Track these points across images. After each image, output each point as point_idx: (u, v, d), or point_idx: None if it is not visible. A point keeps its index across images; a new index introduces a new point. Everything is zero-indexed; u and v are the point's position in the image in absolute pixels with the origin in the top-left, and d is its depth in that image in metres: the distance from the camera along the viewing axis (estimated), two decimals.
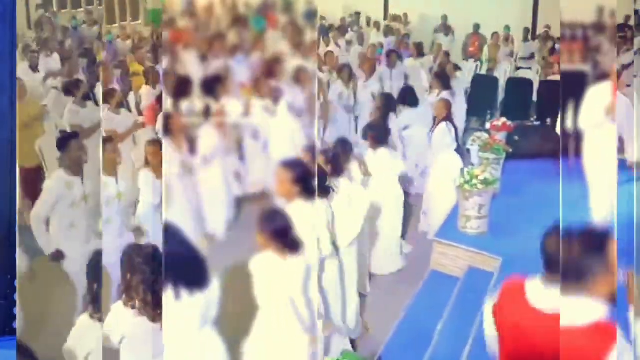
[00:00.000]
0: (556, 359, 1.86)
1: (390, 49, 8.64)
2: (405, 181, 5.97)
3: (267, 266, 2.99)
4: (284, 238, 2.99)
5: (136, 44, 9.62)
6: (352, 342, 4.09)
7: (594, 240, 1.86)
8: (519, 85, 8.97)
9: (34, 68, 8.56)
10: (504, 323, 2.12)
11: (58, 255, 4.06)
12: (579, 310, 1.84)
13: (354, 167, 4.84)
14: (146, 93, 6.73)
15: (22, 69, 8.62)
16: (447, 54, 8.86)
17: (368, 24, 13.01)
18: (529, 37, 11.09)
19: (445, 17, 12.19)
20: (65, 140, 4.21)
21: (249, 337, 3.07)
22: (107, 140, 4.36)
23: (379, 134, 5.22)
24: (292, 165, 3.50)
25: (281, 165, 3.49)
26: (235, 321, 3.05)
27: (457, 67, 8.28)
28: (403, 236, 5.57)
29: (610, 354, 1.77)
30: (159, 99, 4.25)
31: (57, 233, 4.09)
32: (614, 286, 1.85)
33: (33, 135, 6.12)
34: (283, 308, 3.02)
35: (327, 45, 10.02)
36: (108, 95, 6.06)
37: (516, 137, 6.75)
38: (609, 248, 1.83)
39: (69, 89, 5.97)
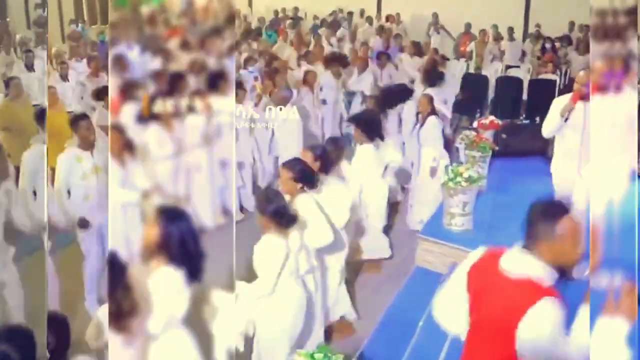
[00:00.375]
0: (513, 321, 1.99)
1: (380, 50, 8.68)
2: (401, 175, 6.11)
3: (270, 248, 3.23)
4: (282, 216, 3.25)
5: None
6: (329, 338, 4.17)
7: (551, 211, 2.07)
8: (509, 84, 9.04)
9: (64, 77, 8.66)
10: (474, 285, 2.23)
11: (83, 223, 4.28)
12: (528, 266, 2.06)
13: (344, 165, 4.77)
14: None
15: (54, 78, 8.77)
16: (435, 51, 8.91)
17: (361, 15, 13.12)
18: (517, 36, 11.17)
19: (436, 16, 12.28)
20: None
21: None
22: (81, 117, 4.48)
23: (368, 127, 5.09)
24: (292, 164, 3.76)
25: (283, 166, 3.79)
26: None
27: (444, 58, 8.32)
28: (388, 230, 5.65)
29: (531, 311, 1.95)
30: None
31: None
32: (561, 257, 2.03)
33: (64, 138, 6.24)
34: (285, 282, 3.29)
35: (318, 44, 10.06)
36: (102, 93, 6.14)
37: (504, 135, 6.81)
38: (562, 220, 2.02)
39: (98, 95, 6.25)
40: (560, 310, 1.99)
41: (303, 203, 3.68)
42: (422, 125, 5.74)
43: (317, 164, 4.11)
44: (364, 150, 4.98)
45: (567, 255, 2.04)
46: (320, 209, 3.74)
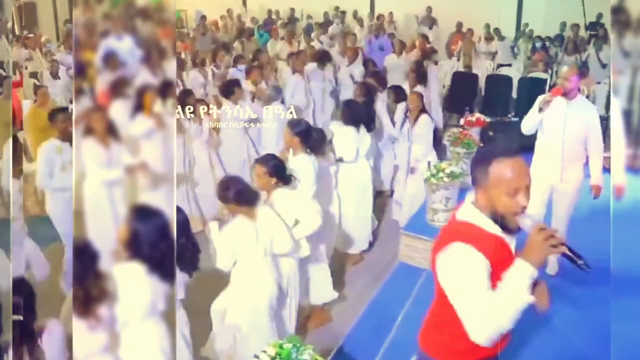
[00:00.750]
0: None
1: (366, 57, 8.71)
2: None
3: (240, 229, 3.31)
4: (245, 198, 3.33)
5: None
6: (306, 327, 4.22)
7: (487, 154, 1.98)
8: (499, 82, 9.06)
9: (55, 75, 8.70)
10: None
11: None
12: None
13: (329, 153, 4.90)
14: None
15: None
16: (425, 37, 8.90)
17: (354, 16, 13.14)
18: (508, 35, 11.20)
19: (429, 9, 12.28)
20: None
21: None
22: (60, 110, 4.58)
23: (353, 112, 5.17)
24: (266, 159, 3.81)
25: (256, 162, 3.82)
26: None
27: (433, 50, 8.32)
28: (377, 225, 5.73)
29: (448, 247, 1.94)
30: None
31: None
32: (496, 203, 1.92)
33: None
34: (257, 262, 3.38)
35: (308, 44, 10.08)
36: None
37: (490, 132, 6.82)
38: (495, 161, 1.90)
39: None
40: (473, 256, 1.88)
41: (280, 197, 3.72)
42: (413, 123, 5.68)
43: (295, 139, 4.18)
44: (343, 132, 5.08)
45: (501, 202, 1.89)
46: (299, 199, 3.80)
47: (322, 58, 7.60)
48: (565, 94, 4.08)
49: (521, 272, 1.84)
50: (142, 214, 2.56)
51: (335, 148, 4.99)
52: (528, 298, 1.85)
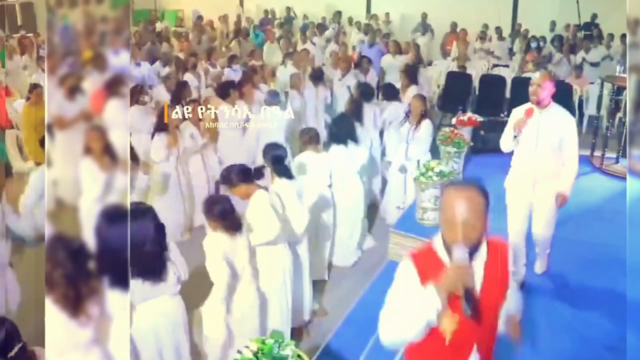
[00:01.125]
0: None
1: (362, 55, 8.68)
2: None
3: (217, 244, 3.30)
4: (228, 219, 3.32)
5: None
6: (298, 330, 4.22)
7: (449, 185, 2.12)
8: (492, 83, 9.09)
9: None
10: None
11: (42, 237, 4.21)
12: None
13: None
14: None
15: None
16: (417, 47, 8.95)
17: (350, 23, 13.16)
18: (503, 35, 11.21)
19: (424, 16, 12.33)
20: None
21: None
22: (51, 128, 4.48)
23: (339, 129, 5.13)
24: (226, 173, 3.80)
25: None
26: None
27: (429, 63, 8.38)
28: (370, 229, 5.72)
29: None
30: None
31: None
32: (442, 230, 2.00)
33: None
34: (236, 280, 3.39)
35: (304, 43, 10.11)
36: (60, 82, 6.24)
37: (482, 132, 6.85)
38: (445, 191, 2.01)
39: None
40: (409, 271, 2.02)
41: (256, 200, 3.70)
42: (415, 127, 5.56)
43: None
44: (334, 152, 5.01)
45: (442, 228, 1.98)
46: (273, 205, 3.75)
47: (317, 77, 7.47)
48: (538, 103, 3.90)
49: (428, 295, 1.94)
50: (108, 216, 2.39)
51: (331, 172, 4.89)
52: (430, 320, 1.95)
